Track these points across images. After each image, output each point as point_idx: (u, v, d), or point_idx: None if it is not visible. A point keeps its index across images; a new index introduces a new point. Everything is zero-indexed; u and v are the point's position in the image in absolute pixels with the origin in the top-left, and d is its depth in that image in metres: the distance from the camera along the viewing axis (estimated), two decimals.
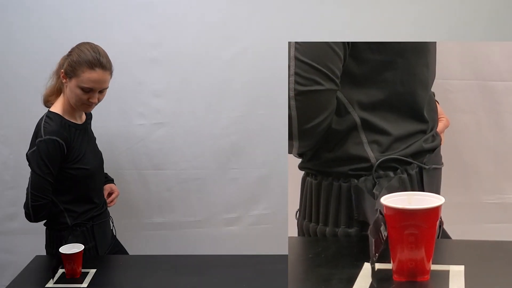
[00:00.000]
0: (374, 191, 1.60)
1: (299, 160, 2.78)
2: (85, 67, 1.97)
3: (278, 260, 2.05)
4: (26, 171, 2.70)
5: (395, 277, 1.38)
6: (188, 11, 2.56)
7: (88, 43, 2.05)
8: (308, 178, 1.80)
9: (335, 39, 2.57)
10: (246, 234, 2.80)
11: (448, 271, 1.38)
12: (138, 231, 2.77)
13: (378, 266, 1.42)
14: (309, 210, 1.79)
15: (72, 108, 2.07)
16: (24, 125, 2.66)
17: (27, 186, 2.02)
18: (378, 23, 2.56)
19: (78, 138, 2.07)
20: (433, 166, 1.71)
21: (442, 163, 1.80)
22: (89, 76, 1.97)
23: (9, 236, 2.79)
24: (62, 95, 2.08)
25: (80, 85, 1.98)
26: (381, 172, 1.63)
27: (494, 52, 2.58)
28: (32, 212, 1.99)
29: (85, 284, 1.85)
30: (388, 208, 1.34)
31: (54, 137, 1.96)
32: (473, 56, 2.60)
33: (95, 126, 2.66)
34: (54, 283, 1.86)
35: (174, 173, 2.71)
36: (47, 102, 2.13)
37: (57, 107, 2.07)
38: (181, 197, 2.74)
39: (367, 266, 1.45)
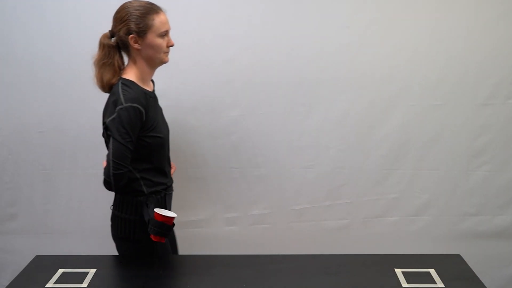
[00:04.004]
0: None
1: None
2: (153, 14, 1.97)
3: (278, 260, 2.05)
4: (25, 171, 2.72)
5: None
6: (188, 11, 2.56)
7: (126, 3, 2.01)
8: None
9: (335, 38, 2.59)
10: (246, 234, 2.80)
11: None
12: None
13: None
14: None
15: (144, 75, 2.04)
16: (23, 126, 2.67)
17: (107, 154, 1.97)
18: (378, 23, 2.56)
19: (152, 106, 2.05)
20: None
21: None
22: (160, 19, 1.99)
23: (9, 236, 2.80)
24: (131, 64, 2.04)
25: (158, 31, 1.98)
26: None
27: None
28: (114, 181, 1.94)
29: (85, 284, 1.85)
30: None
31: (135, 105, 1.93)
32: None
33: (95, 127, 2.67)
34: (54, 283, 1.86)
35: (174, 173, 2.71)
36: (112, 86, 2.04)
37: (130, 75, 2.02)
38: (181, 197, 2.73)
39: None
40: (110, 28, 2.04)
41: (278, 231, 2.79)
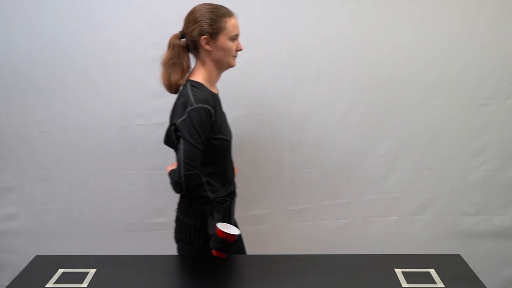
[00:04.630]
0: None
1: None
2: (226, 17, 2.00)
3: (278, 260, 2.05)
4: (26, 170, 2.72)
5: None
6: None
7: (198, 5, 2.04)
8: None
9: (335, 38, 2.59)
10: (246, 234, 2.80)
11: None
12: (138, 231, 2.77)
13: None
14: None
15: (211, 77, 2.06)
16: (24, 125, 2.67)
17: (177, 156, 1.96)
18: (378, 23, 2.56)
19: (218, 108, 2.05)
20: None
21: None
22: (233, 22, 2.01)
23: (9, 236, 2.80)
24: (199, 66, 2.05)
25: (230, 34, 2.00)
26: None
27: None
28: (184, 182, 1.92)
29: (85, 284, 1.85)
30: None
31: (206, 106, 1.93)
32: None
33: (95, 126, 2.68)
34: (54, 283, 1.86)
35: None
36: (179, 86, 2.06)
37: (198, 77, 2.03)
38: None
39: None
40: (180, 29, 2.06)
41: (278, 231, 2.79)
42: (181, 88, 2.03)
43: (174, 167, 2.07)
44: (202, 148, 1.93)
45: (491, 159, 2.69)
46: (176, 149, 2.01)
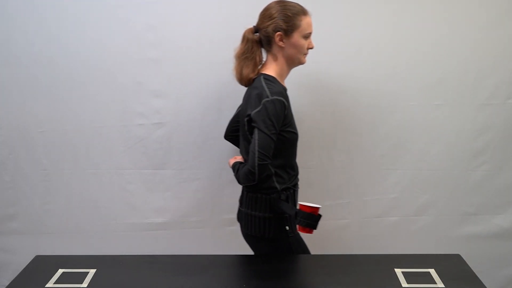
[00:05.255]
0: None
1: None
2: (301, 15, 2.05)
3: (278, 260, 2.05)
4: (26, 170, 2.72)
5: None
6: (188, 11, 2.56)
7: (273, 2, 2.09)
8: None
9: (335, 38, 2.59)
10: None
11: None
12: (138, 231, 2.77)
13: None
14: None
15: (282, 72, 2.12)
16: (23, 125, 2.67)
17: (250, 145, 2.00)
18: (378, 23, 2.56)
19: (288, 102, 2.10)
20: None
21: None
22: (307, 21, 2.07)
23: (9, 236, 2.80)
24: (271, 61, 2.11)
25: (303, 32, 2.06)
26: None
27: None
28: (258, 171, 1.97)
29: (85, 284, 1.85)
30: None
31: (281, 98, 1.99)
32: None
33: (95, 126, 2.68)
34: (54, 283, 1.86)
35: (174, 173, 2.71)
36: (250, 80, 2.12)
37: (270, 71, 2.10)
38: (181, 197, 2.74)
39: None
40: (254, 24, 2.13)
41: None
42: (253, 81, 2.10)
43: (237, 160, 2.15)
44: (275, 139, 1.99)
45: (491, 159, 2.69)
46: (238, 143, 2.12)
